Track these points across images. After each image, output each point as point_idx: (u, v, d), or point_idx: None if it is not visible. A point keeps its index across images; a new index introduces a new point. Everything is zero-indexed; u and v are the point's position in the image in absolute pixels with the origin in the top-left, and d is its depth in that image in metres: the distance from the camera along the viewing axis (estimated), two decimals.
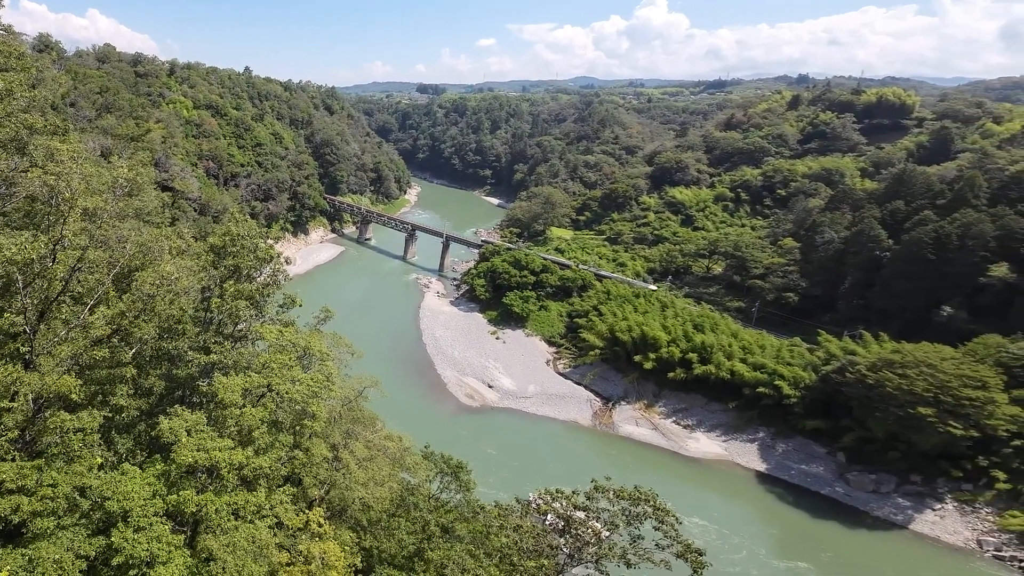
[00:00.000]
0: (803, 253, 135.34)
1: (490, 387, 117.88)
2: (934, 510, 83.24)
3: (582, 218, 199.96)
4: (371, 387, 47.15)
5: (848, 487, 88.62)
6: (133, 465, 29.15)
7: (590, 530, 44.03)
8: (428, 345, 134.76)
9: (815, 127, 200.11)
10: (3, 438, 24.50)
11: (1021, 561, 74.31)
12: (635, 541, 42.29)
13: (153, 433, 31.03)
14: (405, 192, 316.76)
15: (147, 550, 24.02)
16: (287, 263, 47.14)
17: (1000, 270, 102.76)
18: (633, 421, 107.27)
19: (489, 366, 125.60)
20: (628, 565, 41.60)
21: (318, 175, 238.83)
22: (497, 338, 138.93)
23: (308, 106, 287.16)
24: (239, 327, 40.88)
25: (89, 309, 30.19)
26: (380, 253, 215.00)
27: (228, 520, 27.52)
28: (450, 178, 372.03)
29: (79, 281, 30.54)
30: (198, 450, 27.60)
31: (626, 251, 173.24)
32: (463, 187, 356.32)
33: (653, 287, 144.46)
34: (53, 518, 23.78)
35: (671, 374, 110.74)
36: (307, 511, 35.87)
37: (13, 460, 24.58)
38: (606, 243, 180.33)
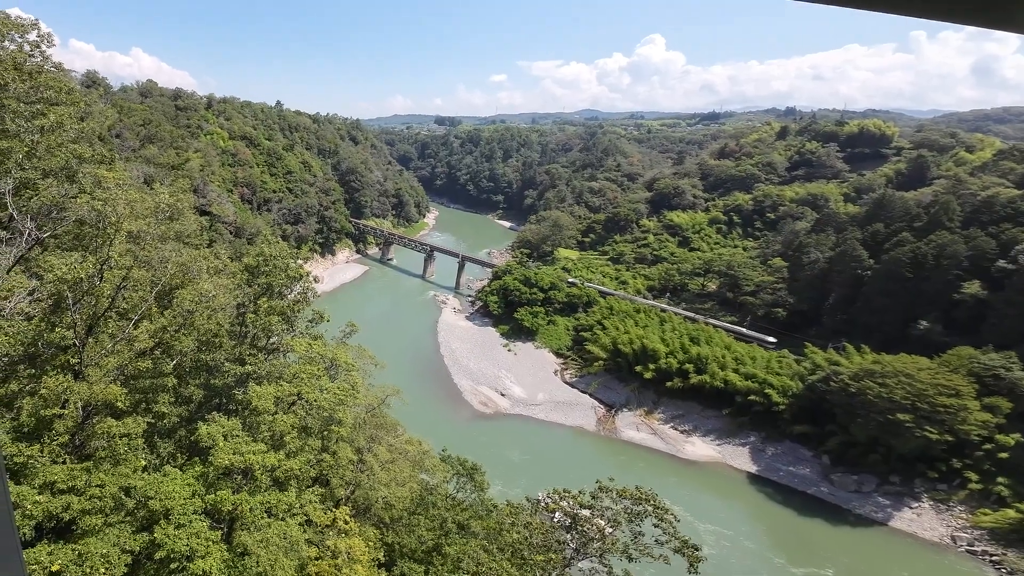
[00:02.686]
0: (791, 272, 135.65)
1: (502, 395, 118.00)
2: (912, 508, 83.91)
3: (587, 240, 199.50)
4: (393, 395, 47.33)
5: (832, 487, 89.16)
6: (174, 467, 29.73)
7: (594, 527, 44.24)
8: (445, 357, 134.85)
9: (802, 156, 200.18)
10: (55, 442, 24.96)
11: (992, 555, 74.99)
12: (636, 537, 42.64)
13: (192, 438, 31.40)
14: (424, 216, 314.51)
15: (187, 545, 24.49)
16: (316, 281, 46.93)
17: (972, 287, 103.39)
18: (634, 426, 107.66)
19: (501, 376, 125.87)
20: (629, 559, 41.93)
21: (344, 200, 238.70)
22: (509, 350, 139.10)
23: (335, 137, 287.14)
24: (271, 340, 41.21)
25: (134, 324, 30.84)
26: (401, 272, 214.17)
27: (262, 518, 27.94)
28: (465, 203, 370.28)
29: (124, 298, 31.12)
30: (234, 453, 28.18)
31: (628, 270, 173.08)
32: (477, 211, 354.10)
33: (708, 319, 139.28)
34: (101, 516, 24.18)
35: (669, 383, 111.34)
36: (334, 509, 36.00)
37: (64, 463, 25.04)
38: (609, 263, 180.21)
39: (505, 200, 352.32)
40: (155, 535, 24.60)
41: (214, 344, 36.41)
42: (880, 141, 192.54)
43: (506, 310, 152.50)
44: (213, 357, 36.20)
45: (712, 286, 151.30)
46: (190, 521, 25.37)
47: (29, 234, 30.03)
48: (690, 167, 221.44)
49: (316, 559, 31.68)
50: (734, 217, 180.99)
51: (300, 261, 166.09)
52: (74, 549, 22.49)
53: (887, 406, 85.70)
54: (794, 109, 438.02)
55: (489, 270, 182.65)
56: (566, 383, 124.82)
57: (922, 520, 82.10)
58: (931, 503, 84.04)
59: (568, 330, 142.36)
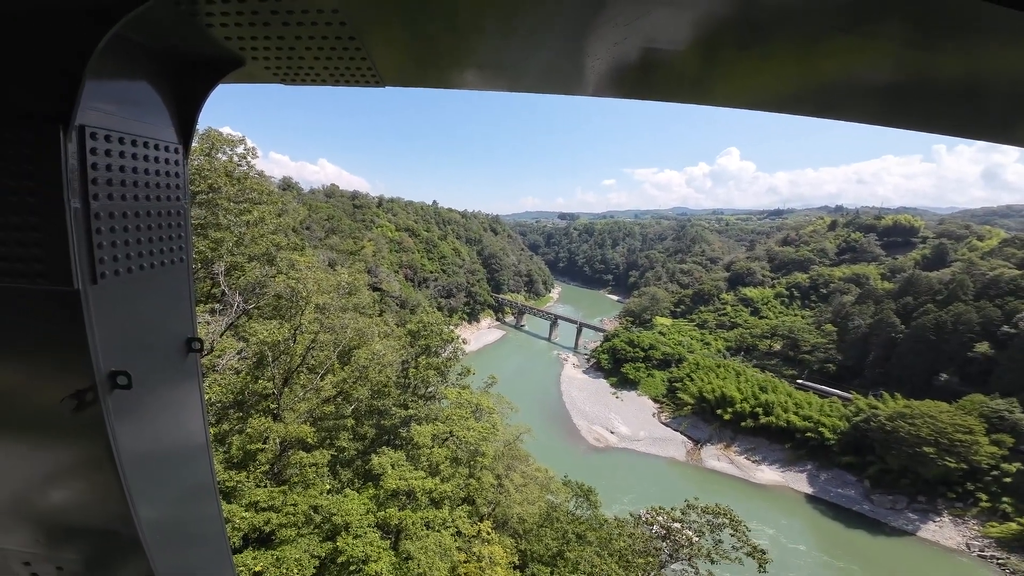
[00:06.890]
0: (839, 335, 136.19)
1: (611, 433, 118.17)
2: (935, 521, 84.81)
3: (678, 310, 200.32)
4: (524, 433, 47.57)
5: (872, 505, 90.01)
6: (352, 490, 30.02)
7: (684, 537, 44.77)
8: (566, 402, 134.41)
9: (848, 243, 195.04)
10: (258, 471, 25.59)
11: (999, 559, 76.83)
12: (716, 544, 43.45)
13: (367, 467, 31.82)
14: (549, 291, 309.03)
15: (363, 552, 24.80)
16: (464, 343, 47.51)
17: (983, 347, 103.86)
18: (716, 457, 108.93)
19: (611, 417, 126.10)
20: (712, 561, 42.72)
21: (486, 279, 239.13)
22: (616, 397, 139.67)
23: (479, 229, 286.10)
24: (429, 390, 41.37)
25: (320, 377, 31.67)
26: (531, 336, 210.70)
27: (422, 530, 28.03)
28: (582, 281, 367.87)
29: (313, 356, 31.94)
30: (400, 479, 28.71)
31: (710, 334, 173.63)
32: (592, 288, 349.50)
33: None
34: (294, 529, 24.68)
35: (743, 423, 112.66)
36: (479, 523, 35.48)
37: (265, 487, 25.72)
38: (696, 328, 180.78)
39: (613, 279, 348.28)
40: (337, 544, 25.19)
41: (384, 393, 37.05)
42: (909, 232, 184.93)
43: (614, 365, 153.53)
44: (383, 403, 36.96)
45: (776, 346, 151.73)
46: (365, 533, 25.94)
47: (237, 306, 30.83)
48: (759, 252, 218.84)
49: (465, 562, 31.79)
50: (794, 292, 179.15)
51: (451, 327, 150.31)
52: (273, 555, 23.29)
53: (915, 441, 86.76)
54: (842, 207, 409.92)
55: (601, 334, 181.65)
56: (662, 423, 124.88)
57: (943, 531, 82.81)
58: (950, 517, 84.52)
59: (663, 381, 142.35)
